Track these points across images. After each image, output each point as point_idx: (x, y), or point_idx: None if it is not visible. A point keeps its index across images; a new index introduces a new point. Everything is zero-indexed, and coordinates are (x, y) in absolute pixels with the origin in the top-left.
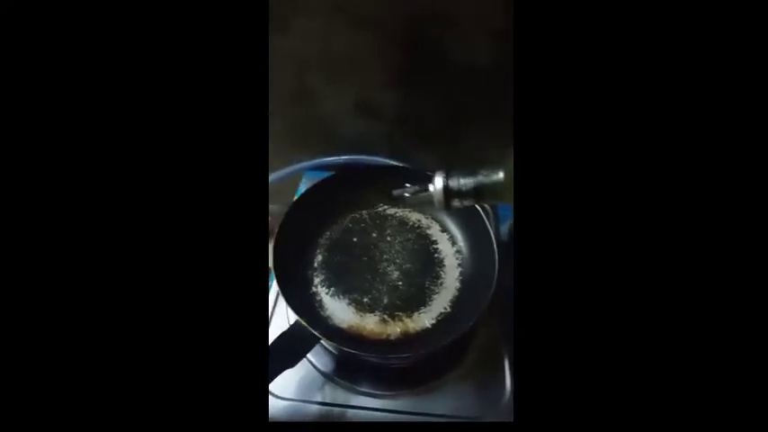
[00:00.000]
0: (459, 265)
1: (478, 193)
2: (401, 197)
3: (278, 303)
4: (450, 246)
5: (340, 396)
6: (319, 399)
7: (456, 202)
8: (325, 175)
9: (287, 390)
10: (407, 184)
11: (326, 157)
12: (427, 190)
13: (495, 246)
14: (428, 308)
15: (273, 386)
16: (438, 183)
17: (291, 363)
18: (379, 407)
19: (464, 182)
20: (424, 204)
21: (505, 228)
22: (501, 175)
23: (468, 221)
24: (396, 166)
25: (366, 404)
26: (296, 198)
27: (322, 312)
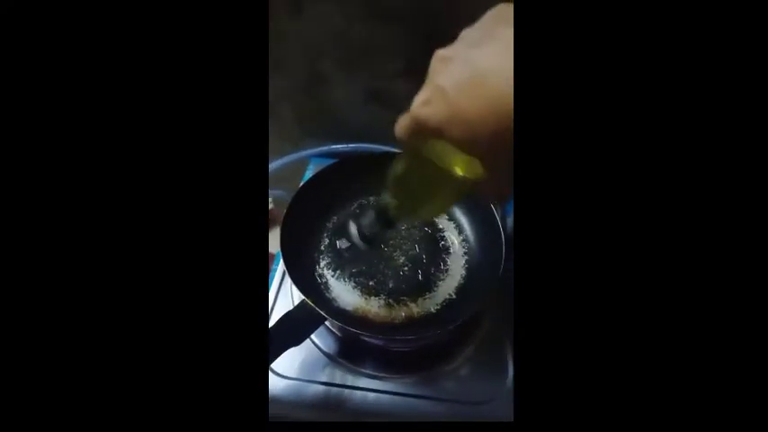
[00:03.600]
0: (465, 253)
1: (382, 219)
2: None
3: (283, 284)
4: (457, 234)
5: (343, 377)
6: (322, 379)
7: (375, 234)
8: (333, 161)
9: (290, 369)
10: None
11: (334, 144)
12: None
13: (502, 236)
14: (433, 294)
15: (277, 365)
16: (352, 229)
17: (295, 342)
18: (380, 388)
19: (368, 218)
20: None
21: (511, 221)
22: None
23: (476, 211)
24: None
25: (368, 385)
26: (302, 183)
27: (327, 294)
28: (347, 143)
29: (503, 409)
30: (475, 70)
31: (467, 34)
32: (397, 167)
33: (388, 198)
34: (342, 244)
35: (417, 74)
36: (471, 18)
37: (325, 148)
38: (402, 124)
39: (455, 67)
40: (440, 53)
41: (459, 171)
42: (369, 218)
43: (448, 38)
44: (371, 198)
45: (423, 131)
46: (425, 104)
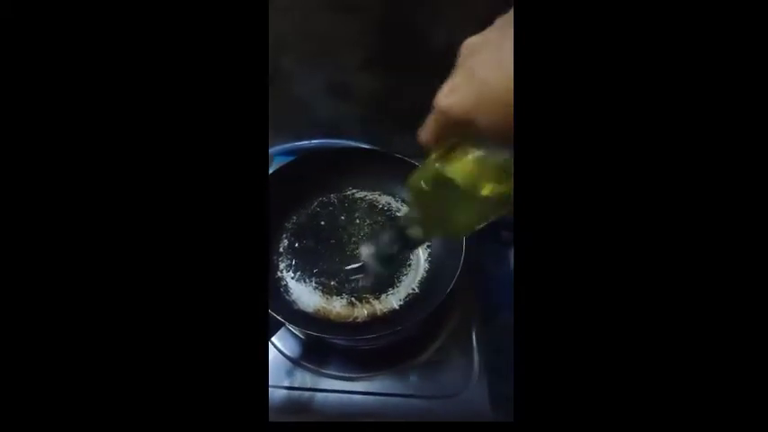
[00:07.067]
0: (427, 246)
1: (401, 238)
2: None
3: None
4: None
5: (308, 380)
6: (287, 384)
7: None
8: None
9: None
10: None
11: (298, 141)
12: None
13: None
14: (396, 289)
15: None
16: (365, 249)
17: None
18: (348, 389)
19: (385, 237)
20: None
21: None
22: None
23: None
24: (365, 148)
25: (336, 387)
26: None
27: (287, 297)
28: (310, 139)
29: (471, 402)
30: (505, 52)
31: (501, 22)
32: (416, 182)
33: (407, 215)
34: (354, 266)
35: (380, 67)
36: (432, 7)
37: (288, 146)
38: (426, 126)
39: (485, 50)
40: (469, 41)
41: (485, 191)
42: (386, 236)
43: (408, 29)
44: (332, 195)
45: (448, 125)
46: (451, 92)
